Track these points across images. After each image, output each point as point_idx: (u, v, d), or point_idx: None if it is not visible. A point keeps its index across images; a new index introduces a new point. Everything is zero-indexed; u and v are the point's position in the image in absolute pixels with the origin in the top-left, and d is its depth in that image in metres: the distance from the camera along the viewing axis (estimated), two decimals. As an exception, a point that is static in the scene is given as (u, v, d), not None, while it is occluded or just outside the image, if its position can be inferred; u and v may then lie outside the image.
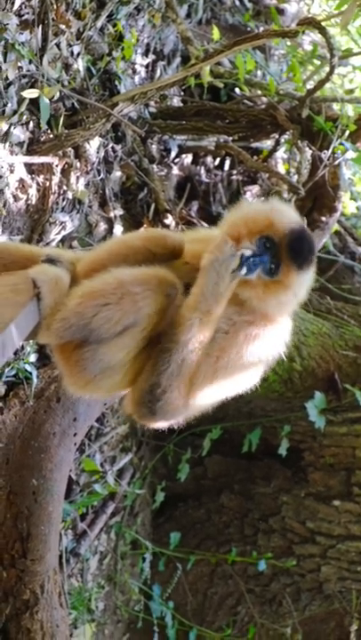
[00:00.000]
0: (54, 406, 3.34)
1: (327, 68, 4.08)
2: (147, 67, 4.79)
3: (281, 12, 6.09)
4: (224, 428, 4.69)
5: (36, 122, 3.51)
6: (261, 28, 5.74)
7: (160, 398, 2.11)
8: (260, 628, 4.62)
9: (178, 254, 2.31)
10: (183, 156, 5.23)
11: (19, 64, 3.37)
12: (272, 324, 2.23)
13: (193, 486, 4.95)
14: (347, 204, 5.61)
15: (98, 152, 4.01)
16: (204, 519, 4.90)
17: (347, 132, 4.31)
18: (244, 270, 2.11)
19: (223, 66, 4.85)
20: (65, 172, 3.72)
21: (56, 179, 3.64)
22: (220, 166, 5.63)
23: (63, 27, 3.67)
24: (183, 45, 4.73)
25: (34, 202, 3.55)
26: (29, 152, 3.52)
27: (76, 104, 3.85)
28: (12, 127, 3.39)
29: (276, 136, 4.90)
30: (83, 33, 3.89)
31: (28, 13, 3.40)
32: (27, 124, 3.49)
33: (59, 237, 3.76)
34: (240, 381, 2.27)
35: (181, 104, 5.03)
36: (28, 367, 3.42)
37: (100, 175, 4.17)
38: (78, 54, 3.86)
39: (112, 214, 4.27)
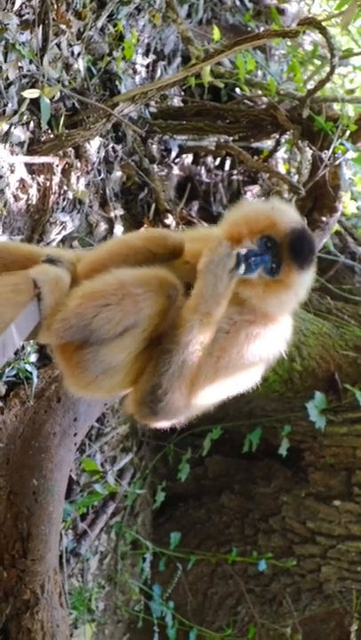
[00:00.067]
0: (55, 406, 3.34)
1: (328, 68, 4.07)
2: (147, 67, 4.79)
3: (281, 11, 6.08)
4: (224, 428, 4.69)
5: (37, 122, 3.51)
6: (262, 28, 5.74)
7: (161, 399, 2.11)
8: (261, 628, 4.62)
9: (178, 254, 2.31)
10: (184, 155, 5.23)
11: (19, 64, 3.38)
12: (273, 323, 2.23)
13: (193, 486, 4.95)
14: (347, 204, 5.61)
15: (98, 152, 4.01)
16: (204, 519, 4.90)
17: (347, 132, 4.31)
18: (241, 269, 2.10)
19: (224, 66, 4.85)
20: (65, 172, 3.72)
21: (56, 179, 3.64)
22: (221, 166, 5.63)
23: (64, 27, 3.67)
24: (184, 45, 4.73)
25: (34, 202, 3.55)
26: (30, 152, 3.52)
27: (76, 104, 3.85)
28: (13, 127, 3.39)
29: (277, 136, 4.90)
30: (83, 33, 3.89)
31: (28, 13, 3.40)
32: (27, 124, 3.49)
33: (59, 237, 3.76)
34: (241, 381, 2.27)
35: (182, 104, 5.03)
36: (28, 367, 3.42)
37: (100, 175, 4.17)
38: (79, 54, 3.86)
39: (112, 214, 4.27)
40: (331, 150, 4.31)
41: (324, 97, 4.63)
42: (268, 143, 5.37)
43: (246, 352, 2.17)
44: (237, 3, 6.05)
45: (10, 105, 3.36)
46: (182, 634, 4.60)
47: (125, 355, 2.13)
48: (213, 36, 4.58)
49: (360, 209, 5.83)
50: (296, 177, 4.77)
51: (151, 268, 2.15)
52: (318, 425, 4.31)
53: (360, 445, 4.41)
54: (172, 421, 2.27)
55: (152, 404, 2.13)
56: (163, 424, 2.29)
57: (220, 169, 5.62)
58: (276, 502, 4.65)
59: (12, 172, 3.38)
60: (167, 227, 4.40)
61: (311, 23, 3.74)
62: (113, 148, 4.30)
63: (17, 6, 3.32)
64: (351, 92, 5.13)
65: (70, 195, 3.78)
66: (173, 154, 5.01)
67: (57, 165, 3.62)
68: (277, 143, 5.03)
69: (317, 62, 5.60)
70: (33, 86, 3.46)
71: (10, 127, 3.37)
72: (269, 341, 2.22)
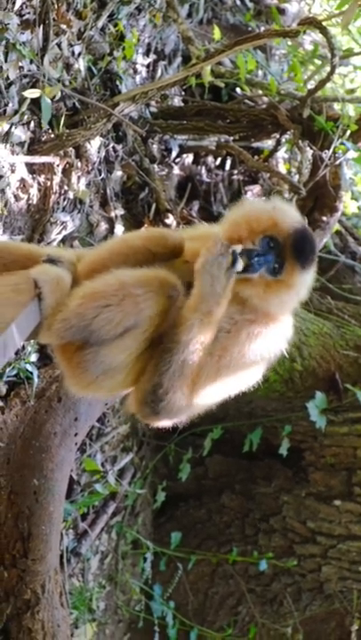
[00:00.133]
0: (55, 406, 3.34)
1: (328, 68, 4.07)
2: (148, 66, 4.79)
3: (282, 11, 6.08)
4: (225, 428, 4.69)
5: (38, 122, 3.51)
6: (262, 28, 5.74)
7: (163, 398, 2.11)
8: (261, 627, 4.62)
9: (178, 253, 2.30)
10: (184, 155, 5.23)
11: (20, 64, 3.38)
12: (274, 322, 2.23)
13: (194, 486, 4.95)
14: (348, 204, 5.61)
15: (99, 152, 4.01)
16: (205, 519, 4.90)
17: (348, 132, 4.31)
18: (239, 266, 2.10)
19: (224, 65, 4.85)
20: (66, 172, 3.72)
21: (57, 178, 3.64)
22: (221, 166, 5.63)
23: (64, 26, 3.67)
24: (184, 45, 4.72)
25: (35, 201, 3.55)
26: (30, 152, 3.52)
27: (77, 104, 3.85)
28: (14, 127, 3.39)
29: (277, 136, 4.89)
30: (84, 33, 3.89)
31: (29, 13, 3.40)
32: (28, 123, 3.49)
33: (60, 237, 3.76)
34: (243, 380, 2.27)
35: (182, 104, 5.03)
36: (29, 367, 3.42)
37: (101, 175, 4.17)
38: (79, 54, 3.86)
39: (113, 214, 4.27)
40: (331, 150, 4.30)
41: (324, 97, 4.63)
42: (268, 143, 5.37)
43: (247, 351, 2.17)
44: (238, 2, 6.05)
45: (10, 105, 3.36)
46: (183, 634, 4.60)
47: (126, 355, 2.13)
48: (214, 36, 4.58)
49: (361, 209, 5.83)
50: (297, 177, 4.77)
51: (151, 269, 2.15)
52: (319, 425, 4.30)
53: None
54: (173, 421, 2.27)
55: (153, 404, 2.13)
56: (164, 423, 2.29)
57: (220, 169, 5.62)
58: (277, 502, 4.65)
59: (13, 171, 3.38)
60: (168, 226, 4.40)
61: (312, 23, 3.74)
62: (113, 147, 4.30)
63: (17, 6, 3.32)
64: (352, 91, 5.13)
65: (71, 194, 3.79)
66: (174, 153, 5.01)
67: (57, 165, 3.62)
68: (278, 143, 5.03)
69: (318, 62, 5.59)
70: (34, 86, 3.46)
71: (10, 127, 3.37)
72: (270, 340, 2.22)
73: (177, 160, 5.13)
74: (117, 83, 4.23)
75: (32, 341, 3.43)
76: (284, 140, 5.03)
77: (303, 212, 4.36)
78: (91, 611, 4.28)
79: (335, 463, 4.47)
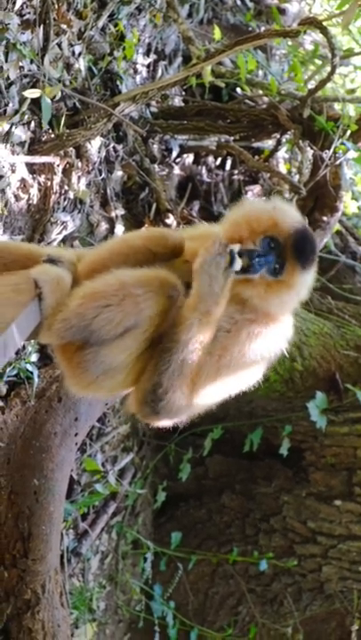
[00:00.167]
0: (56, 406, 3.34)
1: (328, 68, 4.07)
2: (148, 66, 4.79)
3: (282, 11, 6.08)
4: (225, 428, 4.69)
5: (38, 121, 3.51)
6: (263, 28, 5.74)
7: (162, 398, 2.11)
8: (262, 627, 4.62)
9: (178, 253, 2.30)
10: (184, 155, 5.23)
11: (20, 64, 3.38)
12: (274, 322, 2.23)
13: (194, 486, 4.95)
14: (348, 204, 5.61)
15: (99, 152, 4.01)
16: (205, 519, 4.90)
17: (348, 132, 4.31)
18: (237, 266, 2.10)
19: (225, 65, 4.85)
20: (66, 172, 3.72)
21: (57, 178, 3.64)
22: (222, 166, 5.63)
23: (64, 26, 3.67)
24: (185, 45, 4.72)
25: (35, 201, 3.55)
26: (31, 152, 3.52)
27: (77, 104, 3.85)
28: (14, 127, 3.39)
29: (278, 136, 4.90)
30: (84, 33, 3.89)
31: (29, 13, 3.40)
32: (28, 123, 3.49)
33: (60, 237, 3.76)
34: (243, 379, 2.27)
35: (183, 104, 5.03)
36: (29, 367, 3.42)
37: (101, 175, 4.17)
38: (80, 54, 3.86)
39: (113, 214, 4.27)
40: (332, 150, 4.31)
41: (325, 97, 4.63)
42: (269, 143, 5.37)
43: (248, 351, 2.18)
44: (238, 2, 6.05)
45: (11, 105, 3.36)
46: (183, 634, 4.60)
47: (126, 355, 2.13)
48: (214, 36, 4.58)
49: (361, 208, 5.83)
50: (297, 177, 4.78)
51: (152, 269, 2.15)
52: (319, 425, 4.30)
53: (361, 445, 4.41)
54: (173, 420, 2.27)
55: (153, 404, 2.13)
56: (164, 423, 2.29)
57: (220, 169, 5.62)
58: (277, 502, 4.65)
59: (13, 171, 3.38)
60: (168, 226, 4.40)
61: (312, 23, 3.74)
62: (114, 147, 4.30)
63: (18, 6, 3.32)
64: (352, 91, 5.13)
65: (71, 194, 3.79)
66: (174, 153, 5.01)
67: (58, 165, 3.62)
68: (278, 143, 5.03)
69: (318, 62, 5.60)
70: (34, 86, 3.46)
71: (11, 127, 3.37)
72: (271, 340, 2.23)
73: (177, 160, 5.13)
74: (118, 83, 4.23)
75: (32, 341, 3.43)
76: (284, 140, 5.03)
77: (304, 212, 4.37)
78: (91, 611, 4.28)
79: (336, 463, 4.46)
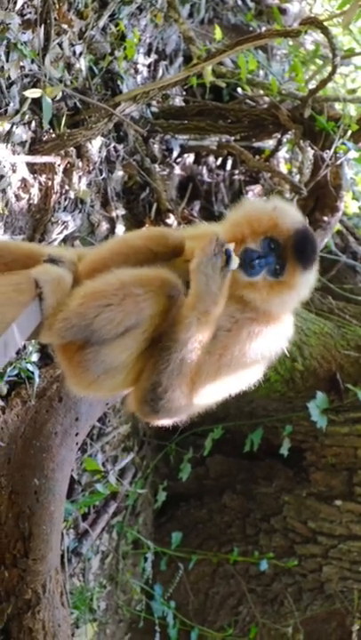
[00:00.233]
0: (56, 406, 3.34)
1: (329, 68, 4.07)
2: (149, 66, 4.79)
3: (283, 11, 6.08)
4: (226, 428, 4.69)
5: (39, 121, 3.51)
6: (264, 28, 5.74)
7: (162, 397, 2.11)
8: (262, 627, 4.62)
9: (179, 252, 2.30)
10: (185, 155, 5.23)
11: (21, 63, 3.38)
12: (275, 321, 2.23)
13: (195, 486, 4.95)
14: (349, 204, 5.61)
15: (100, 152, 4.01)
16: (205, 519, 4.90)
17: (349, 132, 4.31)
18: (234, 265, 2.10)
19: (225, 65, 4.85)
20: (67, 172, 3.72)
21: (58, 178, 3.64)
22: (223, 166, 5.63)
23: (65, 26, 3.67)
24: (185, 45, 4.73)
25: (36, 201, 3.55)
26: (32, 152, 3.52)
27: (78, 104, 3.85)
28: (15, 127, 3.39)
29: (279, 136, 4.90)
30: (85, 32, 3.89)
31: (30, 13, 3.40)
32: (29, 123, 3.49)
33: (61, 237, 3.76)
34: (243, 378, 2.27)
35: (183, 104, 5.04)
36: (30, 367, 3.42)
37: (102, 175, 4.17)
38: (80, 54, 3.86)
39: (114, 214, 4.27)
40: (332, 150, 4.31)
41: (325, 97, 4.63)
42: (269, 143, 5.37)
43: (248, 350, 2.18)
44: (239, 2, 6.05)
45: (12, 104, 3.36)
46: (184, 633, 4.60)
47: (127, 355, 2.13)
48: (215, 36, 4.58)
49: (362, 208, 5.83)
50: (298, 177, 4.78)
51: (152, 268, 2.15)
52: (320, 425, 4.30)
53: (362, 445, 4.41)
54: (173, 419, 2.27)
55: (153, 403, 2.14)
56: (164, 422, 2.29)
57: (221, 169, 5.62)
58: (278, 502, 4.65)
59: (14, 171, 3.38)
60: (169, 226, 4.40)
61: (313, 23, 3.74)
62: (115, 147, 4.30)
63: (19, 6, 3.32)
64: (353, 91, 5.14)
65: (72, 194, 3.79)
66: (175, 153, 5.01)
67: (59, 165, 3.62)
68: (279, 143, 5.04)
69: (319, 62, 5.60)
70: (35, 86, 3.46)
71: (12, 127, 3.37)
72: (271, 339, 2.23)
73: (178, 160, 5.13)
74: (119, 82, 4.23)
75: (33, 341, 3.43)
76: (285, 139, 5.03)
77: (304, 212, 4.36)
78: (91, 610, 4.28)
79: (336, 463, 4.46)
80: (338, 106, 4.61)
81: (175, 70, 5.09)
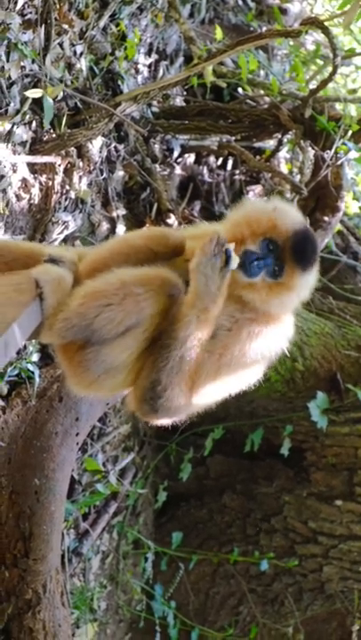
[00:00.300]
0: (56, 406, 3.34)
1: (330, 68, 4.07)
2: (149, 66, 4.79)
3: (284, 11, 6.08)
4: (226, 428, 4.69)
5: (39, 121, 3.52)
6: (264, 28, 5.74)
7: (161, 395, 2.11)
8: (262, 627, 4.62)
9: (179, 252, 2.31)
10: (186, 155, 5.23)
11: (21, 63, 3.38)
12: (275, 321, 2.23)
13: (195, 486, 4.95)
14: (349, 204, 5.61)
15: (100, 152, 4.01)
16: (206, 519, 4.90)
17: (349, 132, 4.31)
18: (233, 265, 2.10)
19: (226, 65, 4.85)
20: (67, 172, 3.72)
21: (59, 178, 3.64)
22: (223, 166, 5.63)
23: (66, 26, 3.67)
24: (186, 45, 4.73)
25: (36, 201, 3.55)
26: (32, 152, 3.52)
27: (78, 104, 3.85)
28: (15, 127, 3.39)
29: (279, 136, 4.90)
30: (85, 32, 3.89)
31: (30, 13, 3.40)
32: (29, 123, 3.49)
33: (61, 237, 3.76)
34: (243, 378, 2.27)
35: (184, 104, 5.04)
36: (30, 367, 3.42)
37: (102, 175, 4.17)
38: (81, 54, 3.86)
39: (115, 214, 4.27)
40: (333, 150, 4.31)
41: (326, 97, 4.63)
42: (270, 143, 5.38)
43: (248, 350, 2.18)
44: (240, 2, 6.05)
45: (12, 104, 3.36)
46: (184, 633, 4.60)
47: (127, 354, 2.13)
48: (216, 36, 4.59)
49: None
50: (298, 177, 4.79)
51: (152, 268, 2.15)
52: (320, 425, 4.30)
53: (362, 445, 4.41)
54: (172, 419, 2.26)
55: (152, 401, 2.13)
56: (163, 422, 2.29)
57: (222, 169, 5.63)
58: (278, 502, 4.64)
59: (15, 171, 3.38)
60: (169, 226, 4.40)
61: (314, 23, 3.74)
62: (115, 147, 4.30)
63: (19, 6, 3.32)
64: (354, 91, 5.15)
65: (72, 194, 3.79)
66: (176, 153, 5.01)
67: (59, 165, 3.62)
68: (280, 143, 5.04)
69: (320, 62, 5.60)
70: (35, 86, 3.46)
71: (12, 127, 3.37)
72: (271, 339, 2.23)
73: (179, 160, 5.13)
74: (119, 82, 4.23)
75: (33, 341, 3.43)
76: (285, 140, 5.03)
77: (305, 212, 4.37)
78: (92, 610, 4.28)
79: (336, 463, 4.46)
80: (338, 106, 4.61)
81: (176, 70, 5.09)
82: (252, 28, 5.85)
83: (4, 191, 3.34)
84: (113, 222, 4.27)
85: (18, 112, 3.38)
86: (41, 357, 3.63)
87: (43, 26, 3.43)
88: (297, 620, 4.55)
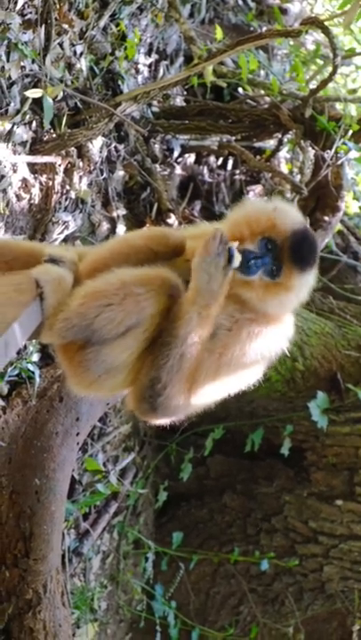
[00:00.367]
0: (57, 406, 3.34)
1: (330, 68, 4.07)
2: (150, 66, 4.79)
3: (284, 11, 6.08)
4: (226, 428, 4.69)
5: (39, 121, 3.52)
6: (264, 28, 5.74)
7: (161, 393, 2.11)
8: (263, 627, 4.62)
9: (180, 252, 2.30)
10: (186, 155, 5.23)
11: (21, 63, 3.38)
12: (274, 321, 2.23)
13: (195, 486, 4.95)
14: (349, 204, 5.61)
15: (101, 151, 4.01)
16: (206, 519, 4.90)
17: (350, 132, 4.31)
18: (236, 263, 2.10)
19: (226, 65, 4.85)
20: (68, 172, 3.72)
21: (59, 178, 3.64)
22: (223, 166, 5.63)
23: (66, 26, 3.67)
24: (186, 45, 4.73)
25: (37, 201, 3.55)
26: (32, 152, 3.52)
27: (78, 103, 3.85)
28: (15, 127, 3.39)
29: (279, 136, 4.90)
30: (86, 32, 3.89)
31: (30, 13, 3.41)
32: (30, 123, 3.49)
33: (61, 237, 3.76)
34: (243, 378, 2.27)
35: (184, 104, 5.04)
36: (30, 367, 3.42)
37: (102, 175, 4.17)
38: (81, 54, 3.86)
39: (115, 214, 4.27)
40: (333, 150, 4.31)
41: (326, 96, 4.64)
42: (270, 143, 5.38)
43: (248, 349, 2.17)
44: (240, 2, 6.05)
45: (12, 104, 3.36)
46: (185, 633, 4.60)
47: (127, 354, 2.13)
48: (216, 36, 4.58)
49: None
50: (298, 176, 4.79)
51: (153, 268, 2.15)
52: (320, 425, 4.30)
53: (362, 445, 4.41)
54: (171, 418, 2.26)
55: (151, 399, 2.13)
56: (162, 421, 2.28)
57: (222, 168, 5.63)
58: (279, 502, 4.64)
59: (15, 171, 3.38)
60: (170, 226, 4.40)
61: (314, 23, 3.74)
62: (115, 147, 4.30)
63: (19, 6, 3.32)
64: (354, 91, 5.14)
65: (73, 194, 3.79)
66: (176, 153, 5.01)
67: (59, 165, 3.62)
68: (280, 143, 5.04)
69: (320, 62, 5.60)
70: (35, 86, 3.46)
71: (12, 127, 3.38)
72: (271, 339, 2.22)
73: (179, 160, 5.13)
74: (119, 82, 4.23)
75: (34, 341, 3.43)
76: (286, 139, 5.03)
77: (305, 212, 4.37)
78: (92, 610, 4.29)
79: (337, 463, 4.46)
80: (339, 106, 4.61)
81: (176, 70, 5.09)
82: (252, 28, 5.85)
83: (5, 191, 3.34)
84: (113, 222, 4.27)
85: (18, 112, 3.38)
86: (41, 357, 3.63)
87: (43, 26, 3.43)
88: (297, 619, 4.55)
